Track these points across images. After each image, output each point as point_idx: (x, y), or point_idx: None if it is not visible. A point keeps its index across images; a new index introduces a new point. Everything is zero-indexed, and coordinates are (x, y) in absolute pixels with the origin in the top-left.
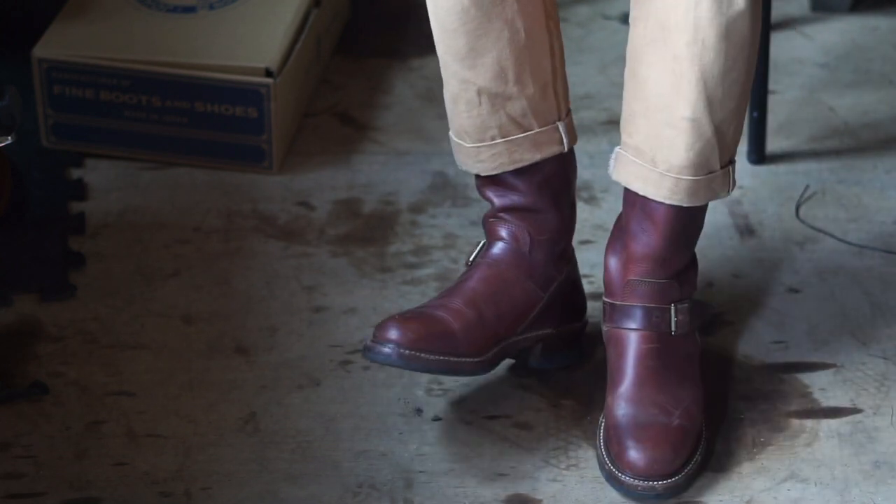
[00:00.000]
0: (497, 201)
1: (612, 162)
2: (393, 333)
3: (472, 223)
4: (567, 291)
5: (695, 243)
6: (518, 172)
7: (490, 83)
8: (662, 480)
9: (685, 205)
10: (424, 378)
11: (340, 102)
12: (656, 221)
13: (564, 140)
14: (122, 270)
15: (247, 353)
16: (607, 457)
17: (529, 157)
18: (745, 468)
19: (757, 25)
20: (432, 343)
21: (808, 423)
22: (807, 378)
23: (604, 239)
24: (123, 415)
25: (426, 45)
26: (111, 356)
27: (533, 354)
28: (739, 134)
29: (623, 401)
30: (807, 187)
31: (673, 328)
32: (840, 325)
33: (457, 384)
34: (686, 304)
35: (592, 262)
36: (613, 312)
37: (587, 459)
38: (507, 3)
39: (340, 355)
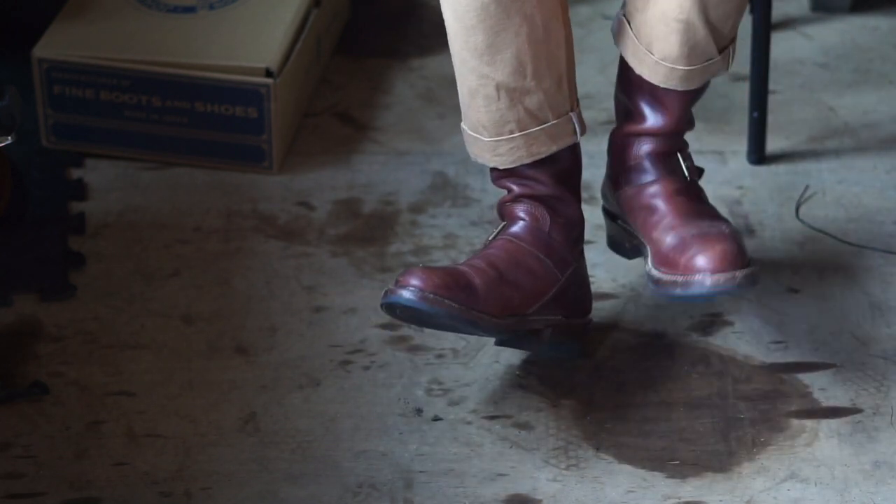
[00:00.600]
0: (517, 189)
1: (614, 24)
2: (416, 279)
3: (472, 223)
4: (579, 282)
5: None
6: (535, 164)
7: (509, 78)
8: (739, 270)
9: (680, 89)
10: (424, 378)
11: (340, 102)
12: (667, 104)
13: (577, 130)
14: (122, 270)
15: (247, 353)
16: (674, 275)
17: (546, 149)
18: (745, 468)
19: None
20: (455, 292)
21: (808, 423)
22: (807, 378)
23: (603, 239)
24: (123, 415)
25: (426, 45)
26: (111, 356)
27: (542, 338)
28: (739, 23)
29: (670, 229)
30: (807, 187)
31: (685, 173)
32: (840, 325)
33: (457, 384)
34: (688, 151)
35: (593, 262)
36: (627, 175)
37: (587, 459)
38: None
39: (340, 355)
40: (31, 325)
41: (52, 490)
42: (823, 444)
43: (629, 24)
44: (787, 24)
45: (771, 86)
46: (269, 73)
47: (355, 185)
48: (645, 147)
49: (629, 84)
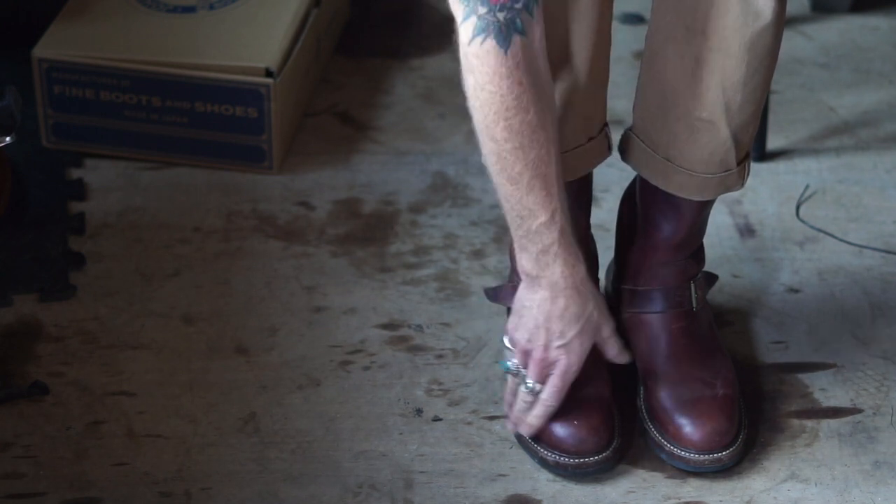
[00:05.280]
0: None
1: (621, 143)
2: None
3: (472, 223)
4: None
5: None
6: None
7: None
8: (726, 450)
9: (695, 199)
10: (424, 378)
11: (340, 102)
12: (682, 211)
13: (610, 144)
14: (122, 270)
15: (247, 353)
16: (663, 438)
17: (589, 166)
18: (745, 468)
19: (780, 36)
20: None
21: (808, 423)
22: (807, 378)
23: (603, 239)
24: (123, 415)
25: (426, 45)
26: (111, 356)
27: None
28: (755, 132)
29: (665, 383)
30: (807, 187)
31: (694, 304)
32: (840, 325)
33: (457, 384)
34: (700, 278)
35: None
36: (635, 298)
37: None
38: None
39: (340, 355)
40: (31, 325)
41: (52, 490)
42: (823, 444)
43: (640, 139)
44: (788, 23)
45: (771, 86)
46: (269, 73)
47: (355, 185)
48: (658, 274)
49: (644, 195)
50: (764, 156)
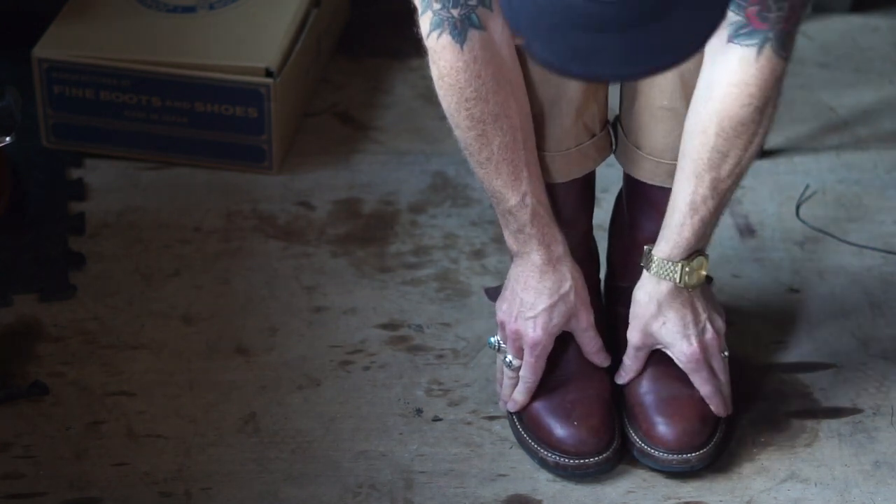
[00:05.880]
0: None
1: (610, 130)
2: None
3: (472, 223)
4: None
5: None
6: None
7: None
8: (695, 452)
9: (667, 186)
10: (424, 378)
11: (340, 102)
12: (658, 208)
13: (614, 142)
14: (122, 270)
15: (247, 353)
16: (636, 435)
17: (593, 163)
18: (745, 468)
19: None
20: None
21: (808, 423)
22: (807, 378)
23: (603, 239)
24: (123, 415)
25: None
26: (111, 356)
27: None
28: None
29: (644, 379)
30: (807, 187)
31: None
32: (840, 325)
33: (457, 384)
34: None
35: None
36: (621, 294)
37: None
38: None
39: (340, 355)
40: (31, 325)
41: (52, 490)
42: (823, 444)
43: (621, 128)
44: None
45: None
46: (269, 73)
47: (355, 185)
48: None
49: (626, 190)
50: (764, 155)
